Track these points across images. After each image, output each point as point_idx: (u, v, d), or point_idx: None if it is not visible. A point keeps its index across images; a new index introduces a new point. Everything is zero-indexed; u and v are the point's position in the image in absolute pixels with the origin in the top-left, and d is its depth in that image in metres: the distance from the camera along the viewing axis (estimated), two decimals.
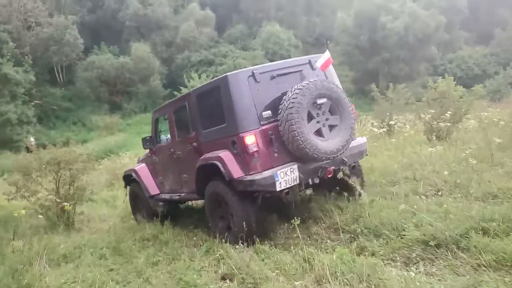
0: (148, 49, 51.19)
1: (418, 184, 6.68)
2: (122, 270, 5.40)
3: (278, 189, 5.22)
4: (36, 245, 6.70)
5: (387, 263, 4.53)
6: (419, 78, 46.52)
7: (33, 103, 36.58)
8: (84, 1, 58.12)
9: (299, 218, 5.33)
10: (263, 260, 4.93)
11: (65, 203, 8.88)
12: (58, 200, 8.83)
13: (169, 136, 7.44)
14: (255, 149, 5.27)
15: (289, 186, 5.33)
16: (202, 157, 5.92)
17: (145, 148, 8.00)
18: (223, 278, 4.66)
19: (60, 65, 51.25)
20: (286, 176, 5.24)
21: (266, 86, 5.57)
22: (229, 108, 5.48)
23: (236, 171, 5.37)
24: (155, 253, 5.90)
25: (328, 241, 5.48)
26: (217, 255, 5.22)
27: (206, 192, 6.06)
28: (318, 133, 5.49)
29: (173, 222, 7.23)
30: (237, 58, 52.36)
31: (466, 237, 4.36)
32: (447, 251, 4.34)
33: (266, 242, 5.51)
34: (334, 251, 4.85)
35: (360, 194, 5.94)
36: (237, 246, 5.45)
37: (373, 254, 4.72)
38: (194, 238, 6.36)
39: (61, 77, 51.86)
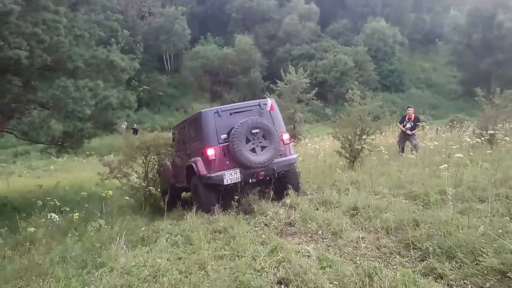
0: (251, 41, 52.14)
1: (510, 204, 6.10)
2: (188, 260, 5.54)
3: (225, 183, 7.85)
4: (118, 225, 7.13)
5: None
6: None
7: (141, 88, 39.08)
8: None
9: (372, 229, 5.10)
10: (323, 269, 4.79)
11: (152, 187, 9.36)
12: (145, 183, 9.35)
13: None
14: (213, 158, 7.98)
15: (233, 182, 7.93)
16: (189, 160, 8.64)
17: None
18: (279, 283, 4.60)
19: (168, 54, 54.08)
20: (231, 176, 7.89)
21: (226, 119, 8.20)
22: (201, 131, 8.30)
23: (202, 170, 8.04)
24: (222, 246, 5.98)
25: (397, 256, 5.17)
26: (280, 256, 5.18)
27: (191, 183, 8.63)
28: (253, 151, 8.07)
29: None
30: (338, 53, 51.50)
31: None
32: None
33: (330, 250, 5.36)
34: (400, 268, 4.59)
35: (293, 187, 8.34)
36: (299, 250, 5.37)
37: (441, 277, 4.38)
38: (263, 236, 6.35)
39: (168, 65, 54.74)
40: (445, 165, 7.14)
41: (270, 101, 8.59)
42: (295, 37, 55.58)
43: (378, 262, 4.94)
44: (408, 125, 12.80)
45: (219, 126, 8.14)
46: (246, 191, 8.14)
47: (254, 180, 8.18)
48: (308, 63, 47.64)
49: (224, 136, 8.12)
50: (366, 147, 10.93)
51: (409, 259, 5.02)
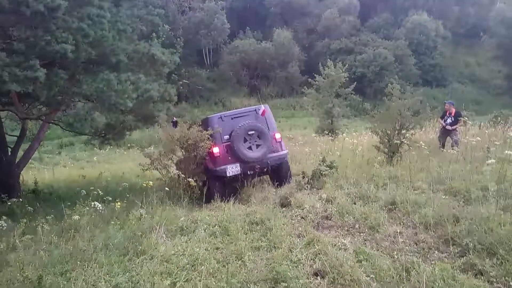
0: (290, 36, 52.01)
1: None
2: (226, 250, 5.65)
3: (228, 175, 9.44)
4: (158, 215, 7.32)
5: (497, 286, 4.11)
6: None
7: (181, 82, 39.72)
8: None
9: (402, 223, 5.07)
10: (360, 262, 4.80)
11: (190, 179, 9.52)
12: (183, 175, 9.51)
13: None
14: (218, 155, 9.62)
15: (234, 174, 9.49)
16: None
17: None
18: (316, 274, 4.65)
19: (207, 48, 54.59)
20: (232, 169, 9.45)
21: (228, 123, 9.83)
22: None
23: (210, 165, 9.70)
24: (259, 238, 6.07)
25: (436, 252, 5.12)
26: (316, 249, 5.21)
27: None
28: (250, 148, 9.60)
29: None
30: (378, 47, 50.65)
31: None
32: None
33: (367, 244, 5.35)
34: (439, 263, 4.54)
35: (285, 179, 9.86)
36: (336, 243, 5.38)
37: (481, 274, 4.32)
38: (300, 228, 6.40)
39: (207, 59, 55.27)
40: (492, 160, 6.96)
41: (262, 107, 10.22)
42: (334, 31, 55.06)
43: (416, 257, 4.92)
44: (449, 120, 12.51)
45: (223, 129, 9.78)
46: (247, 181, 9.86)
47: (251, 172, 9.70)
48: (347, 58, 47.17)
49: (226, 137, 9.74)
50: (405, 142, 10.75)
51: (448, 255, 4.97)
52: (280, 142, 10.25)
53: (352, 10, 58.01)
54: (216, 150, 9.61)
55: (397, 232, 5.64)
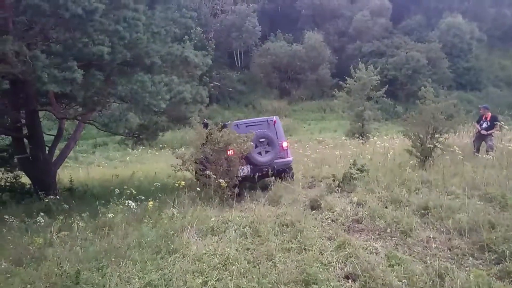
0: (321, 38, 51.75)
1: None
2: (256, 251, 5.69)
3: (240, 175, 9.96)
4: (189, 215, 7.43)
5: None
6: None
7: (212, 84, 40.10)
8: None
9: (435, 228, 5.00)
10: (392, 266, 4.76)
11: (221, 180, 9.60)
12: (215, 176, 9.60)
13: None
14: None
15: (244, 175, 10.31)
16: None
17: None
18: (347, 277, 4.63)
19: (238, 51, 54.88)
20: (244, 170, 10.30)
21: (242, 130, 10.60)
22: None
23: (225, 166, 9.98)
24: (289, 239, 6.08)
25: (470, 258, 5.03)
26: (347, 252, 5.19)
27: None
28: (260, 153, 10.61)
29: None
30: (411, 50, 49.83)
31: None
32: None
33: (399, 248, 5.30)
34: (473, 270, 4.46)
35: (292, 176, 11.20)
36: (367, 247, 5.35)
37: None
38: (330, 231, 6.38)
39: (238, 61, 55.56)
40: None
41: (274, 118, 11.62)
42: (365, 34, 54.52)
43: (450, 263, 4.85)
44: (484, 125, 12.23)
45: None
46: (255, 181, 10.64)
47: (259, 174, 10.60)
48: (378, 60, 46.58)
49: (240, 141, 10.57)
50: (438, 146, 10.58)
51: (483, 262, 4.88)
52: (286, 150, 11.37)
53: (384, 12, 57.29)
54: (231, 153, 10.15)
55: (430, 237, 5.57)
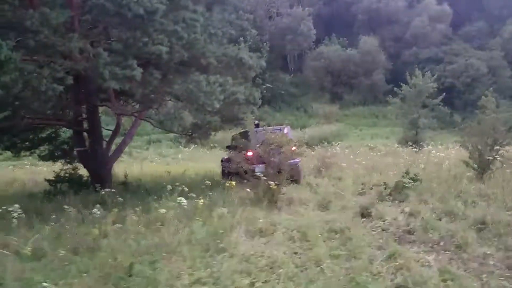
0: (376, 43, 50.93)
1: None
2: (304, 256, 5.67)
3: (256, 172, 10.65)
4: (238, 215, 7.50)
5: None
6: None
7: (264, 86, 40.24)
8: None
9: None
10: (445, 281, 4.60)
11: (271, 182, 9.63)
12: (265, 178, 9.64)
13: None
14: (251, 157, 11.54)
15: (260, 172, 10.65)
16: None
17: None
18: None
19: (292, 54, 54.83)
20: (259, 168, 10.84)
21: (260, 136, 11.78)
22: (248, 141, 11.93)
23: (245, 164, 10.76)
24: (338, 246, 6.02)
25: None
26: (398, 263, 5.08)
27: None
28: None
29: None
30: (470, 57, 48.07)
31: None
32: None
33: (452, 263, 5.12)
34: None
35: (297, 181, 12.40)
36: (419, 259, 5.21)
37: None
38: (380, 240, 6.26)
39: (291, 64, 55.53)
40: None
41: (287, 129, 13.49)
42: (423, 40, 53.11)
43: (508, 281, 4.63)
44: None
45: (256, 140, 11.85)
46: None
47: (272, 172, 11.02)
48: (435, 67, 45.14)
49: (258, 145, 11.49)
50: (498, 158, 10.15)
51: None
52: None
53: (444, 18, 55.55)
54: (250, 153, 11.76)
55: (487, 253, 5.35)
